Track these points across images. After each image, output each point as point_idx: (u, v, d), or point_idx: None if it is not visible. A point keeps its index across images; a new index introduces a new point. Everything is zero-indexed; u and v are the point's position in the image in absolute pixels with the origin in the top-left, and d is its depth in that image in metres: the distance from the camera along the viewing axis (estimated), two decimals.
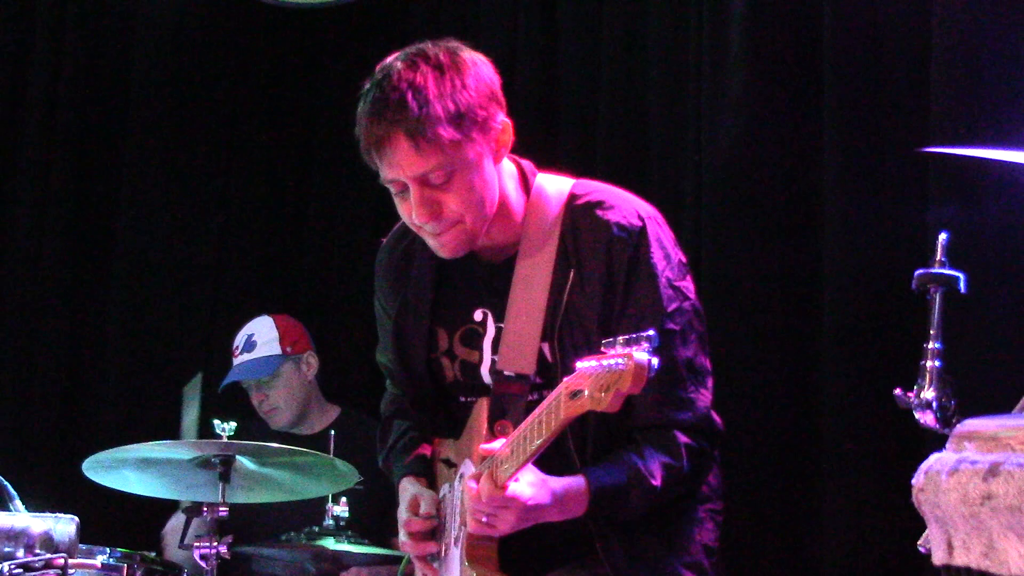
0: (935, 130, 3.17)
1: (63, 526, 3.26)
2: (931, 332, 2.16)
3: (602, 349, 2.14)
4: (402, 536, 2.65)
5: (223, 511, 3.53)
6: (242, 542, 3.99)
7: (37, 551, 3.14)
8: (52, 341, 5.31)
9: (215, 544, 3.50)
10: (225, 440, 3.55)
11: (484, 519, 2.40)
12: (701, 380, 2.55)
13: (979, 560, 1.38)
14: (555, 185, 2.62)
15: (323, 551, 3.88)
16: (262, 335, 4.57)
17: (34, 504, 3.40)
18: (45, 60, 5.45)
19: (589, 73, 4.38)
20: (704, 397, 2.55)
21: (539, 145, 4.47)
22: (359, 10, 5.17)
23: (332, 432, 4.20)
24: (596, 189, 2.61)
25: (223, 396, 4.63)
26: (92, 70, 5.45)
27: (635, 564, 2.50)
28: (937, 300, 2.19)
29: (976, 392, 2.28)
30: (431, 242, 2.55)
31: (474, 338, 2.64)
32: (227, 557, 3.54)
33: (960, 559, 1.41)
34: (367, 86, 2.48)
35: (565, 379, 2.22)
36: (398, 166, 2.43)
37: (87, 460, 3.59)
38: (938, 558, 1.47)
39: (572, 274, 2.52)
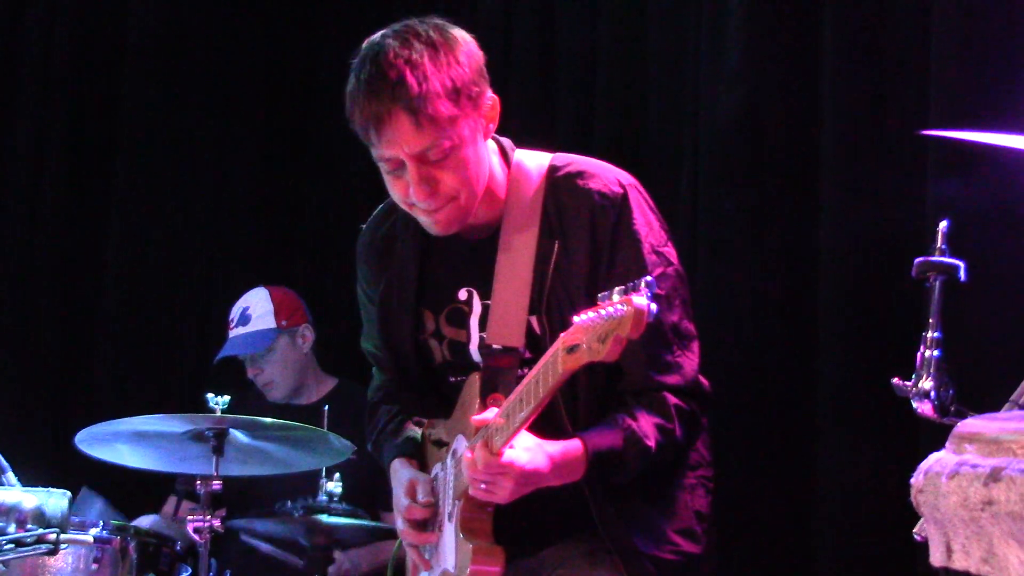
0: (935, 111, 3.14)
1: (55, 500, 3.26)
2: (930, 321, 2.14)
3: (597, 302, 2.14)
4: (400, 523, 2.65)
5: (217, 484, 3.53)
6: (236, 515, 4.00)
7: (29, 526, 3.14)
8: (46, 314, 5.31)
9: (208, 517, 3.50)
10: (219, 413, 3.55)
11: (482, 487, 2.39)
12: (687, 344, 2.57)
13: (979, 566, 1.37)
14: (535, 159, 2.63)
15: (317, 524, 3.88)
16: (257, 308, 4.55)
17: (28, 477, 3.40)
18: (38, 31, 5.42)
19: (587, 44, 4.36)
20: (691, 361, 2.55)
21: (537, 117, 4.48)
22: None
23: (326, 407, 4.19)
24: (575, 160, 2.62)
25: (220, 367, 4.63)
26: (86, 42, 5.43)
27: (630, 530, 2.51)
28: (936, 288, 2.17)
29: (974, 382, 2.27)
30: (423, 219, 2.54)
31: (460, 317, 2.64)
32: (220, 531, 3.54)
33: (959, 563, 1.40)
34: (358, 63, 2.47)
35: (561, 335, 2.21)
36: (397, 143, 2.42)
37: (80, 433, 3.58)
38: (937, 560, 1.46)
39: (557, 246, 2.53)
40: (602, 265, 2.51)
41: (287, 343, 4.57)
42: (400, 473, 2.68)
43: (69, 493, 3.31)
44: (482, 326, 2.59)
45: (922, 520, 1.79)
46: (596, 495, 2.50)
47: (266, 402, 4.55)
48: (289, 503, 4.11)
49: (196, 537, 3.52)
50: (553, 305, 2.51)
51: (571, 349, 2.17)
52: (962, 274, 2.17)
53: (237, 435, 3.61)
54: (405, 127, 2.40)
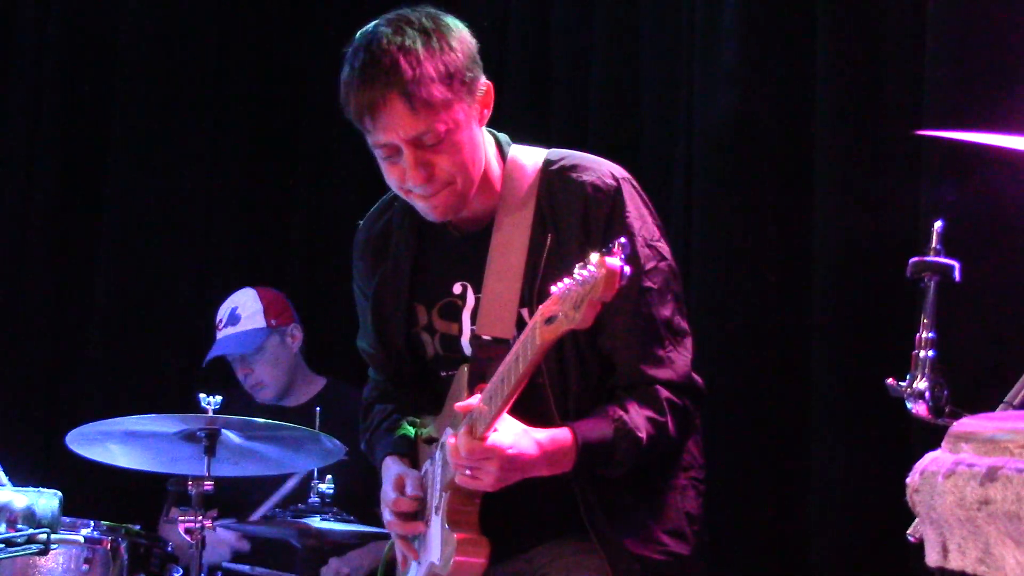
0: (928, 112, 3.14)
1: (46, 500, 3.24)
2: (924, 321, 2.13)
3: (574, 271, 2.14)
4: (387, 515, 2.65)
5: (208, 485, 3.52)
6: (227, 516, 3.99)
7: (19, 526, 3.12)
8: (37, 313, 5.28)
9: (200, 518, 3.49)
10: (211, 414, 3.53)
11: (467, 473, 2.39)
12: (679, 340, 2.56)
13: (975, 566, 1.36)
14: (530, 154, 2.65)
15: (308, 528, 3.86)
16: (246, 308, 4.54)
17: (18, 477, 3.38)
18: (30, 31, 5.41)
19: (581, 45, 4.35)
20: (683, 356, 2.55)
21: (531, 117, 4.47)
22: None
23: (318, 408, 4.18)
24: (570, 154, 2.64)
25: (208, 368, 4.61)
26: (79, 37, 5.41)
27: (618, 529, 2.50)
28: (931, 289, 2.16)
29: (969, 382, 2.26)
30: (421, 206, 2.56)
31: (453, 311, 2.64)
32: (212, 531, 3.53)
33: (955, 563, 1.39)
34: (352, 52, 2.50)
35: (540, 307, 2.21)
36: (392, 129, 2.44)
37: (71, 433, 3.57)
38: (932, 560, 1.45)
39: (549, 238, 2.54)
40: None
41: (277, 342, 4.55)
42: (390, 469, 2.68)
43: (60, 493, 3.29)
44: (474, 319, 2.59)
45: (916, 521, 1.78)
46: (585, 493, 2.49)
47: (255, 403, 4.53)
48: (278, 510, 4.10)
49: (187, 538, 3.50)
50: (545, 297, 2.51)
51: (549, 320, 2.17)
52: (957, 274, 2.17)
53: (229, 435, 3.60)
54: (400, 112, 2.42)
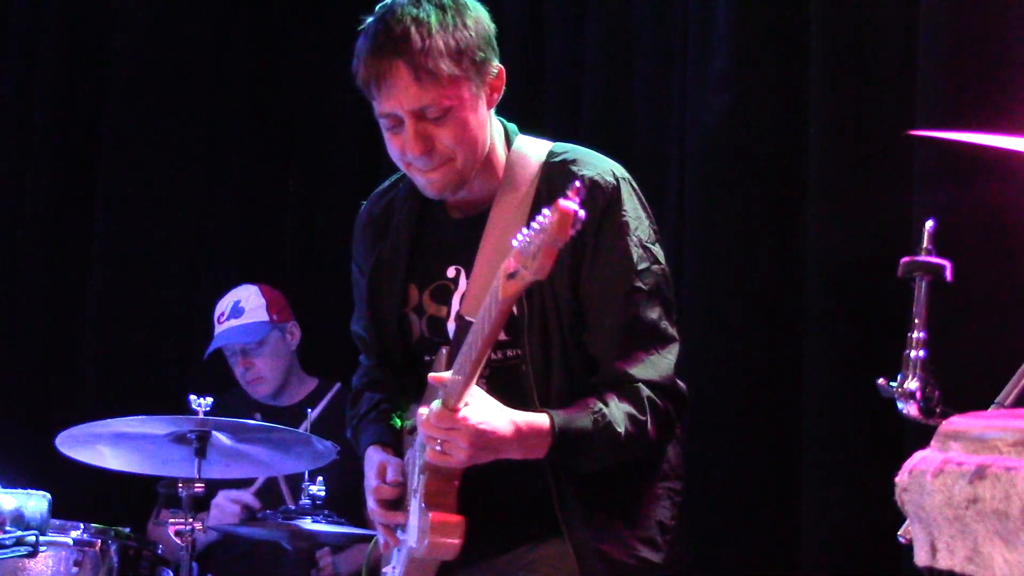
0: (921, 114, 3.14)
1: (35, 502, 3.24)
2: (915, 321, 2.12)
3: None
4: (370, 503, 2.65)
5: (199, 487, 3.51)
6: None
7: (8, 528, 3.12)
8: (28, 314, 5.27)
9: (190, 521, 3.48)
10: (201, 416, 3.53)
11: (438, 447, 2.37)
12: (665, 344, 2.55)
13: (963, 564, 1.35)
14: (535, 145, 2.66)
15: (299, 530, 3.85)
16: (249, 302, 4.53)
17: (7, 479, 3.37)
18: (24, 31, 5.40)
19: (573, 50, 4.34)
20: (667, 361, 2.54)
21: (523, 121, 4.44)
22: None
23: (309, 409, 4.17)
24: (575, 149, 2.65)
25: (200, 369, 4.60)
26: (72, 37, 5.40)
27: (592, 533, 2.50)
28: (922, 289, 2.15)
29: (960, 383, 2.25)
30: (419, 180, 2.56)
31: (444, 293, 2.64)
32: (203, 534, 3.52)
33: (944, 562, 1.38)
34: (368, 22, 2.52)
35: (503, 264, 2.19)
36: (396, 98, 2.45)
37: (61, 435, 3.56)
38: (921, 560, 1.44)
39: None
40: (587, 248, 2.51)
41: (278, 337, 4.55)
42: (372, 457, 2.68)
43: (49, 495, 3.29)
44: (462, 302, 2.59)
45: (907, 522, 1.77)
46: (563, 494, 2.50)
47: (247, 403, 4.52)
48: (269, 512, 4.09)
49: (178, 541, 3.49)
50: (533, 286, 2.50)
51: (511, 276, 2.15)
52: (948, 274, 2.16)
53: (220, 437, 3.59)
54: (405, 81, 2.43)
